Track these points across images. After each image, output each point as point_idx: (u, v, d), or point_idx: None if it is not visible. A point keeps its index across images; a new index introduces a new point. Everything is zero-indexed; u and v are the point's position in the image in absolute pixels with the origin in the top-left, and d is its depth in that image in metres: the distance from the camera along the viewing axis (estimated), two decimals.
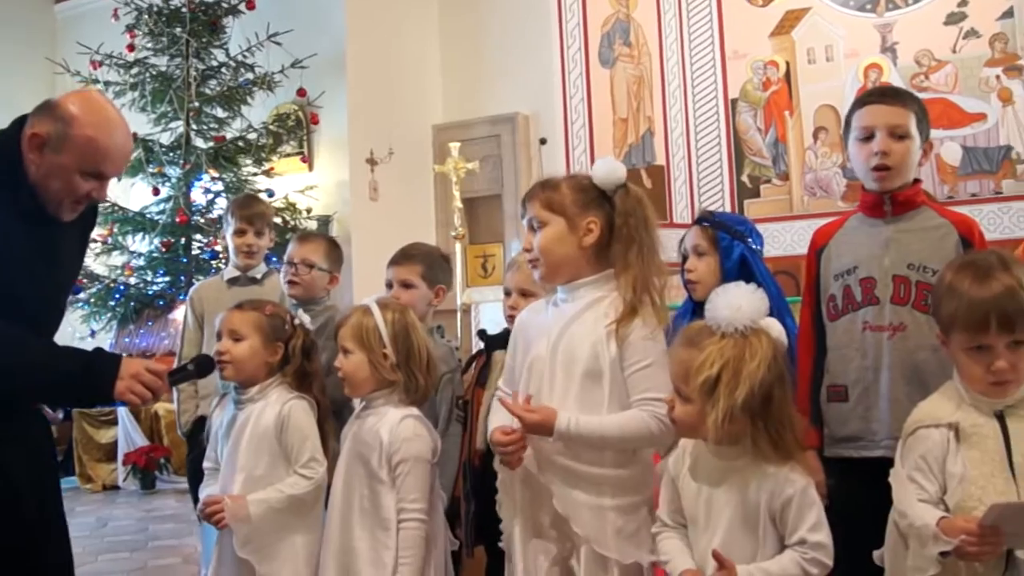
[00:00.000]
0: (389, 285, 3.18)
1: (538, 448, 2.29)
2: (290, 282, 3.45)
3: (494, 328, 3.23)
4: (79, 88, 7.06)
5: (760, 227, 9.36)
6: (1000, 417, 2.03)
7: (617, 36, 9.23)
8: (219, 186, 8.08)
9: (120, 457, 7.57)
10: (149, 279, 7.85)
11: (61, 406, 2.34)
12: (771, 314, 2.53)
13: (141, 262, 7.83)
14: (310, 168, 8.48)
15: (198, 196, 8.02)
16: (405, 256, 3.21)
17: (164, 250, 7.62)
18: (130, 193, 8.32)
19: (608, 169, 2.35)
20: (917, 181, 2.62)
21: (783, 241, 9.55)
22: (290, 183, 8.28)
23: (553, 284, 2.39)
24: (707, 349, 2.02)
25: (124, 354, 2.58)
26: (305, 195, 8.20)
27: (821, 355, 2.67)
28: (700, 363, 2.01)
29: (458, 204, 7.54)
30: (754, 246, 2.90)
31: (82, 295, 7.55)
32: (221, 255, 7.65)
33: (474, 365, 3.12)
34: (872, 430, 2.52)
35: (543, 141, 8.68)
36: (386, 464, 2.53)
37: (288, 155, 8.43)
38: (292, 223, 8.16)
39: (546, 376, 2.31)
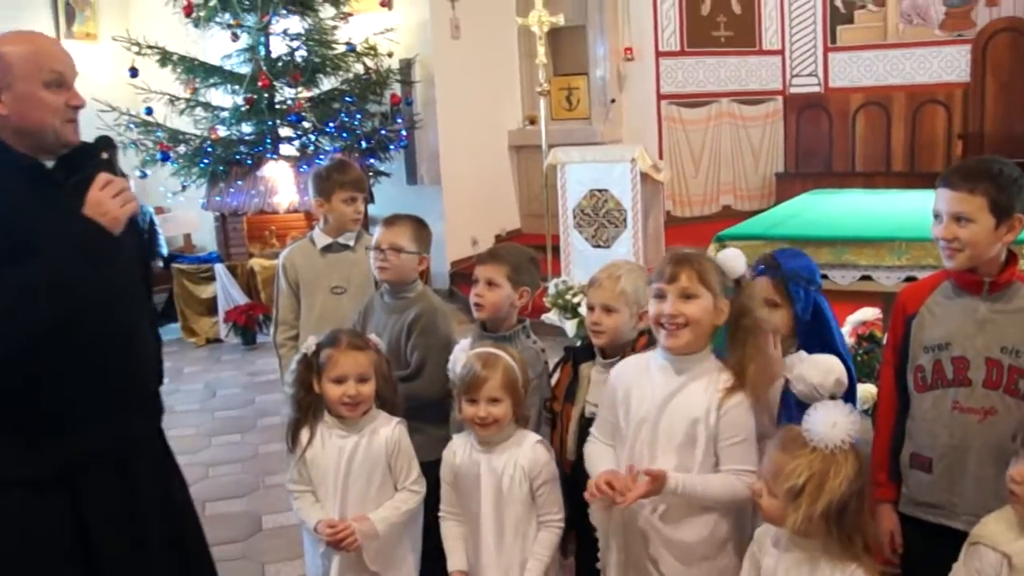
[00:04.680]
0: (475, 281, 3.25)
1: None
2: (380, 268, 3.46)
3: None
4: None
5: (852, 56, 9.14)
6: None
7: None
8: (299, 28, 7.95)
9: (220, 314, 7.87)
10: (235, 135, 7.88)
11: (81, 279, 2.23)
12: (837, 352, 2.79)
13: (225, 115, 7.85)
14: (389, 8, 8.25)
15: (277, 45, 7.93)
16: (493, 256, 3.25)
17: (248, 106, 7.62)
18: (207, 44, 8.28)
19: (734, 260, 2.64)
20: (1013, 256, 2.57)
21: (876, 71, 9.23)
22: (369, 25, 8.15)
23: (682, 354, 2.60)
24: (798, 459, 2.24)
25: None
26: (385, 37, 8.08)
27: (902, 414, 2.73)
28: (789, 471, 2.24)
29: (542, 60, 7.31)
30: (819, 282, 2.92)
31: (172, 154, 7.65)
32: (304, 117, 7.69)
33: (559, 373, 3.22)
34: (953, 503, 2.59)
35: None
36: (527, 485, 2.82)
37: None
38: (374, 67, 8.11)
39: (647, 441, 2.60)
